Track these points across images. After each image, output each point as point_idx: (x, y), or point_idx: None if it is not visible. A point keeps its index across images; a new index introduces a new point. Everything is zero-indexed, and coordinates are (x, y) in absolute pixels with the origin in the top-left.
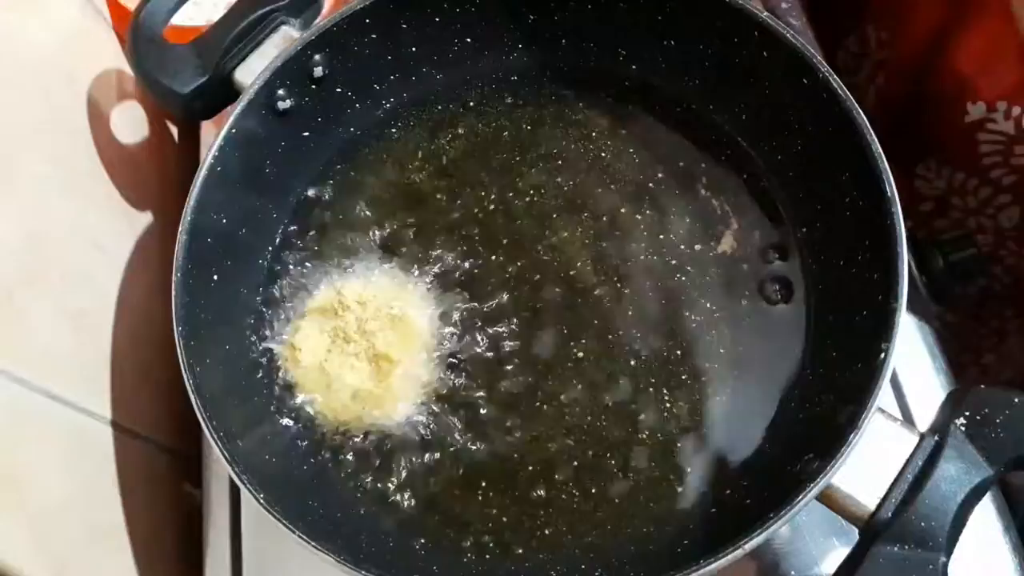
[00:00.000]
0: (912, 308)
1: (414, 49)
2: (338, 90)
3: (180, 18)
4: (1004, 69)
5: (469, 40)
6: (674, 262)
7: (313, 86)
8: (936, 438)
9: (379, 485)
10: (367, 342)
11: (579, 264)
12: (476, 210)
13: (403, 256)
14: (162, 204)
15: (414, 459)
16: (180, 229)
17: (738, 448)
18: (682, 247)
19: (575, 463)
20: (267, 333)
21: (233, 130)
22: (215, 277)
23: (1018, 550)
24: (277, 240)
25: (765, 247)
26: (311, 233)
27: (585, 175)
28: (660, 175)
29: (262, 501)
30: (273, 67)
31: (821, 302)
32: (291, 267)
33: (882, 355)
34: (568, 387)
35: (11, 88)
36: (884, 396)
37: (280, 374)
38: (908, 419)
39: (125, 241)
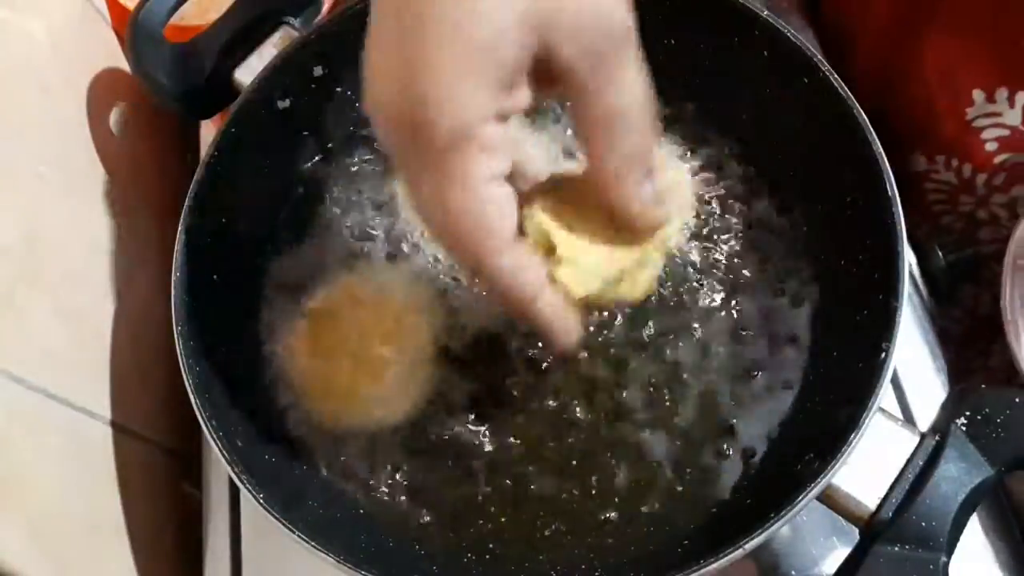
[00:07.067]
0: (912, 307)
1: None
2: (337, 89)
3: (180, 17)
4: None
5: None
6: (676, 260)
7: (312, 85)
8: (937, 438)
9: (379, 485)
10: (367, 341)
11: None
12: None
13: (405, 255)
14: (161, 203)
15: (414, 459)
16: (180, 228)
17: (739, 448)
18: (682, 247)
19: (575, 462)
20: (267, 332)
21: (232, 129)
22: (215, 276)
23: (1017, 552)
24: (276, 239)
25: None
26: (311, 232)
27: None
28: None
29: (262, 501)
30: (272, 66)
31: (821, 301)
32: (291, 266)
33: (883, 354)
34: (569, 385)
35: (10, 87)
36: (885, 396)
37: (280, 374)
38: (909, 419)
39: (124, 240)
